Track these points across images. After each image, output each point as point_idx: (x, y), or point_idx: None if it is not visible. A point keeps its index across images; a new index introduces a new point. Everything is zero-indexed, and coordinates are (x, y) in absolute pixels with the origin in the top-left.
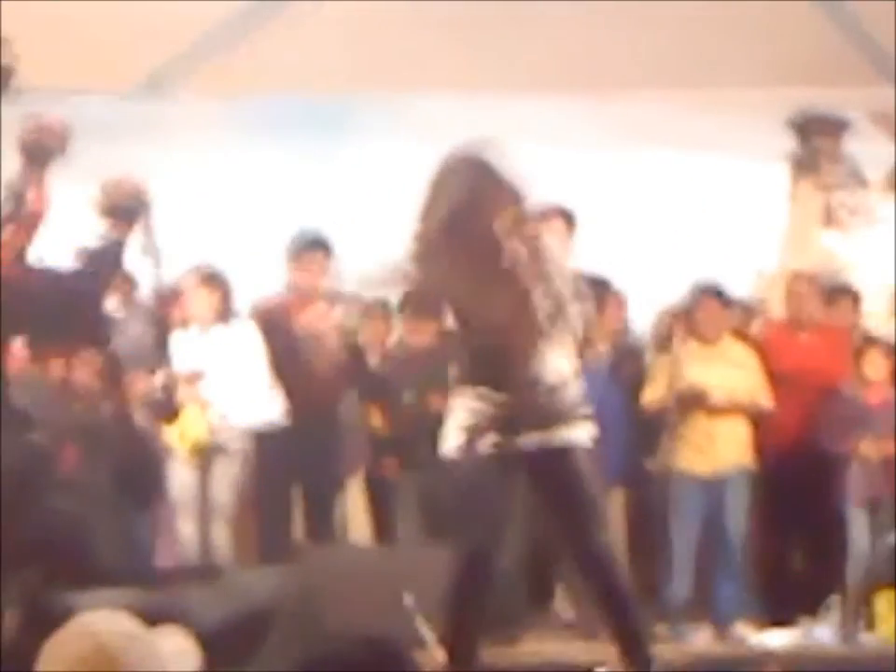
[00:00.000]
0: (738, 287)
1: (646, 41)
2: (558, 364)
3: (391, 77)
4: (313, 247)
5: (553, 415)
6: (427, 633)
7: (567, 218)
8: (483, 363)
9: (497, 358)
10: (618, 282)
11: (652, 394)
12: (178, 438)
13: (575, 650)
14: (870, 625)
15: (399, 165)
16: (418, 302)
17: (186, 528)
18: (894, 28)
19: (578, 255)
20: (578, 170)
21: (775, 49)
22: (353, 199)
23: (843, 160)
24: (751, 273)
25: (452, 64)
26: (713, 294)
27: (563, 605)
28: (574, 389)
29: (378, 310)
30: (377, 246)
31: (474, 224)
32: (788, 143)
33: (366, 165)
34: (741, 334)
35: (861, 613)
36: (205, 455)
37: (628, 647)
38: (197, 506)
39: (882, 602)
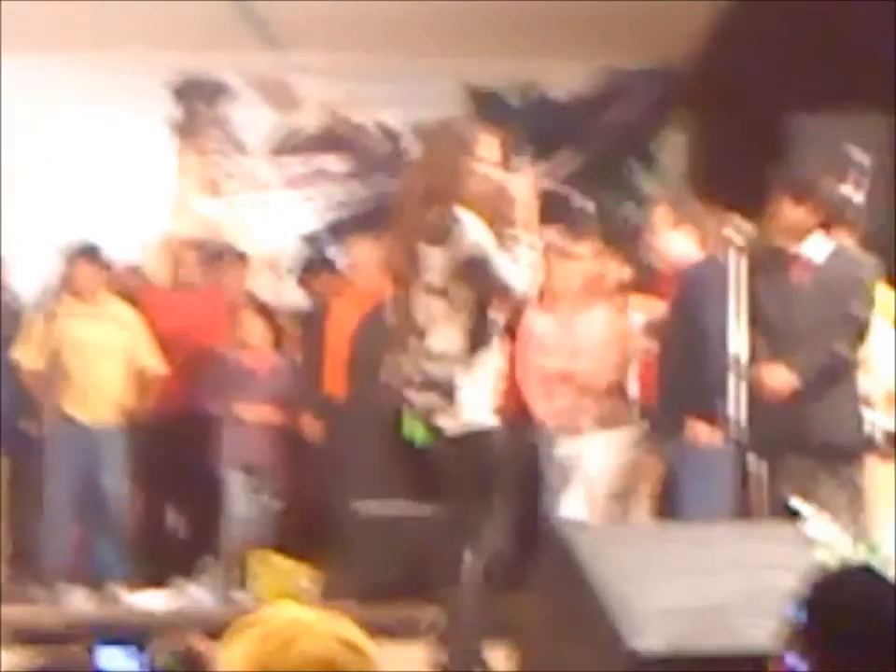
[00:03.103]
0: (123, 251)
1: None
2: None
3: None
4: None
5: None
6: None
7: None
8: None
9: None
10: None
11: (25, 352)
12: None
13: None
14: (244, 584)
15: None
16: None
17: None
18: None
19: None
20: None
21: (157, 8)
22: None
23: (221, 125)
24: (135, 238)
25: None
26: (90, 255)
27: None
28: None
29: None
30: None
31: None
32: (168, 106)
33: None
34: (126, 296)
35: (236, 573)
36: None
37: None
38: None
39: (255, 561)
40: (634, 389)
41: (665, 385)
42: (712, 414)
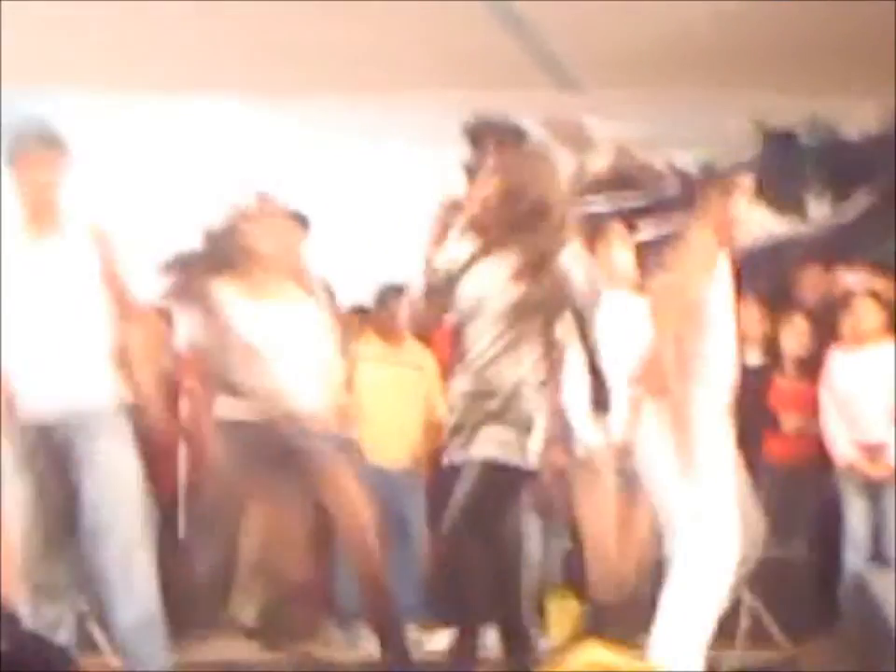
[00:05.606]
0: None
1: (331, 41)
2: None
3: None
4: None
5: None
6: None
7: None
8: None
9: None
10: None
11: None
12: None
13: (256, 654)
14: (541, 628)
15: None
16: None
17: None
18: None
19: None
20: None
21: (448, 50)
22: None
23: None
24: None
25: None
26: (398, 294)
27: (239, 610)
28: None
29: None
30: None
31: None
32: (462, 148)
33: None
34: (421, 337)
35: (533, 617)
36: None
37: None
38: None
39: (552, 606)
40: None
41: None
42: None
